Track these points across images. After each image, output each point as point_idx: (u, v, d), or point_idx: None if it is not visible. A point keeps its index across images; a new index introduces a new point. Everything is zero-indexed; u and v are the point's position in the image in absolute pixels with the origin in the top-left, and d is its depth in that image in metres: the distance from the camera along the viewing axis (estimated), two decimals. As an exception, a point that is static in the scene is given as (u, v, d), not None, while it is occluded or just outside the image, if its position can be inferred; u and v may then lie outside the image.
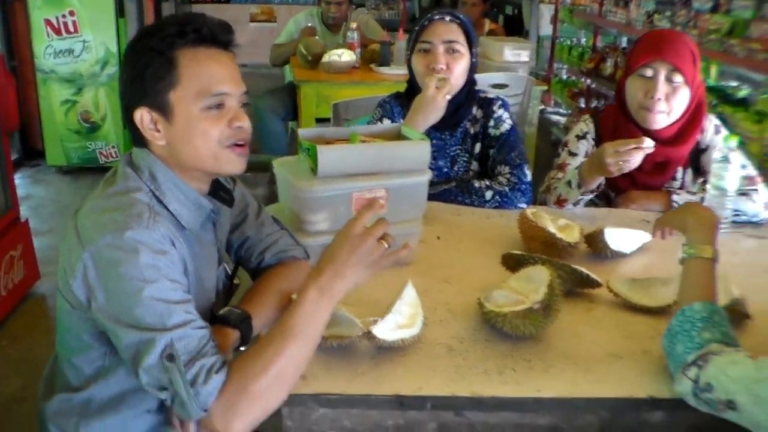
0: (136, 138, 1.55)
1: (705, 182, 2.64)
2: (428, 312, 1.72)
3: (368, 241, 1.43)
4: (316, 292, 1.41)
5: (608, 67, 6.43)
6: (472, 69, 2.57)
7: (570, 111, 7.75)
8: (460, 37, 2.50)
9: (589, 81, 6.89)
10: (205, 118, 1.49)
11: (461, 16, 2.54)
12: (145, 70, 1.48)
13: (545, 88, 5.59)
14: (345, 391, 1.47)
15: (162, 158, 1.55)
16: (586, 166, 2.40)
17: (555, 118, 8.28)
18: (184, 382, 1.32)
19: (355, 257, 1.43)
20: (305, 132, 1.97)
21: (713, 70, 5.48)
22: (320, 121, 4.67)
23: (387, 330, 1.54)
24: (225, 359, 1.39)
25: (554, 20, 8.46)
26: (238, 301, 1.66)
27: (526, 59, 4.87)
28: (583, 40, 8.74)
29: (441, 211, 2.41)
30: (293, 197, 1.85)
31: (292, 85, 5.10)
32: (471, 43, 2.53)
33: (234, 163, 1.56)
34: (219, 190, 1.67)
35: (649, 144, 2.23)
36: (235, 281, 1.82)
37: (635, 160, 2.26)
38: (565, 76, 8.47)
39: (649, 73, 2.42)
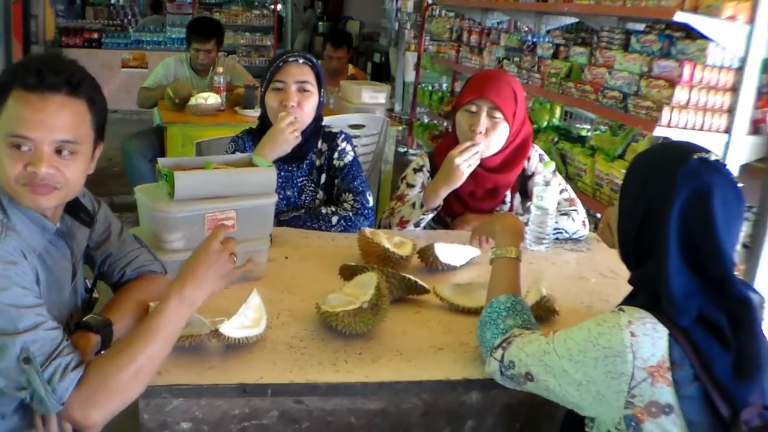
0: None
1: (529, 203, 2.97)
2: (272, 317, 1.94)
3: (223, 256, 1.66)
4: (177, 300, 1.60)
5: (464, 109, 6.79)
6: (320, 106, 2.83)
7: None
8: (311, 78, 2.76)
9: (446, 123, 7.26)
10: (6, 155, 1.61)
11: (312, 58, 2.81)
12: None
13: (400, 127, 5.87)
14: (195, 382, 1.66)
15: None
16: (433, 184, 2.70)
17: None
18: (42, 380, 1.47)
19: (213, 270, 1.65)
20: (164, 161, 2.17)
21: (557, 110, 5.94)
22: (186, 161, 4.78)
23: (233, 329, 1.75)
24: (81, 358, 1.55)
25: (417, 67, 8.87)
26: (100, 311, 1.82)
27: (383, 101, 5.13)
28: (444, 85, 9.15)
29: (290, 235, 2.65)
30: (152, 218, 2.05)
31: (160, 128, 5.21)
32: (320, 83, 2.80)
33: (30, 200, 1.63)
34: (79, 212, 1.85)
35: (476, 143, 2.66)
36: (95, 295, 1.99)
37: (475, 159, 2.64)
38: (426, 120, 8.84)
39: (473, 108, 2.72)
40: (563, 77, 4.90)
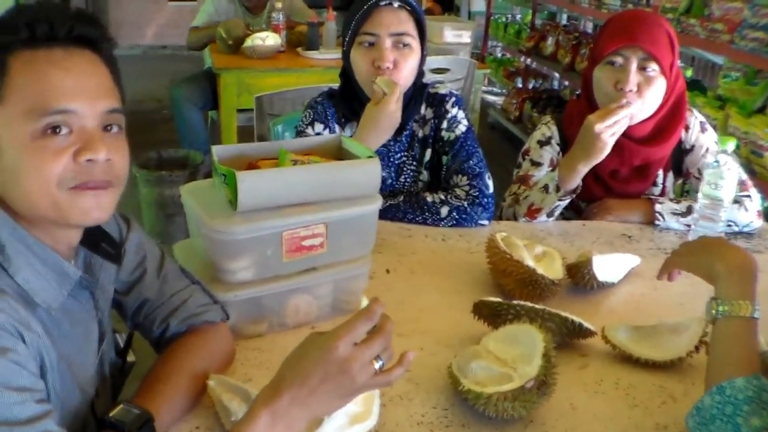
0: None
1: (685, 184, 2.32)
2: (385, 386, 1.33)
3: (354, 367, 1.04)
4: (268, 417, 1.03)
5: (549, 45, 6.09)
6: (422, 62, 2.14)
7: (506, 90, 7.41)
8: (411, 28, 2.06)
9: (528, 60, 6.55)
10: (36, 149, 1.04)
11: (412, 1, 2.09)
12: None
13: (487, 70, 5.23)
14: None
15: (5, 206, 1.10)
16: (568, 158, 2.07)
17: (490, 98, 7.94)
18: None
19: (331, 385, 1.04)
20: (221, 151, 1.54)
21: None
22: (242, 112, 4.25)
23: (337, 430, 1.15)
24: None
25: (490, -5, 8.10)
26: (134, 390, 1.21)
27: (468, 41, 4.54)
28: (518, 16, 8.43)
29: (387, 232, 2.01)
30: (207, 238, 1.43)
31: (212, 72, 4.66)
32: (423, 34, 2.10)
33: (85, 211, 1.10)
34: (100, 241, 1.24)
35: (626, 104, 2.02)
36: (129, 358, 1.39)
37: (623, 123, 2.00)
38: (499, 55, 8.13)
39: (619, 61, 2.08)
40: (682, 12, 4.15)
